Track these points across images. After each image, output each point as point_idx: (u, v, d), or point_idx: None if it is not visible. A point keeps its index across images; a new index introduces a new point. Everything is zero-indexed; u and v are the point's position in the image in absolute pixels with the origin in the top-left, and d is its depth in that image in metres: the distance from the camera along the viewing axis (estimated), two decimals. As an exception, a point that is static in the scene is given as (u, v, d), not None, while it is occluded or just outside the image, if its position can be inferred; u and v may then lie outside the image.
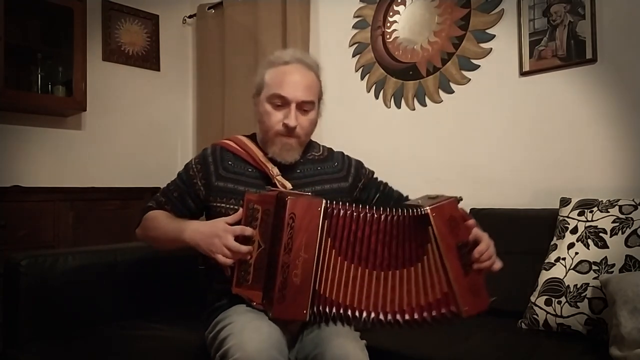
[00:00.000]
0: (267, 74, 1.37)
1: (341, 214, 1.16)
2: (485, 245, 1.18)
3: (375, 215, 1.17)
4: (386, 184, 1.54)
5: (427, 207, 1.15)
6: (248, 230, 1.18)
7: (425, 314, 1.17)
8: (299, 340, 1.24)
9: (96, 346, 1.45)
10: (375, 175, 1.53)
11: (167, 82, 3.44)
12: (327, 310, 1.15)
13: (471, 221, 1.20)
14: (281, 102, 1.33)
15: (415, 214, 1.17)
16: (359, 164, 1.51)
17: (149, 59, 3.35)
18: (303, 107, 1.34)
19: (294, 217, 1.11)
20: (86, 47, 2.82)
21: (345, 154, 1.53)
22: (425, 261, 1.17)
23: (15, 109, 2.70)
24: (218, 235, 1.20)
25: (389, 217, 1.18)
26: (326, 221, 1.15)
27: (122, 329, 1.56)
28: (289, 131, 1.32)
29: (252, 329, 1.11)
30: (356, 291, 1.16)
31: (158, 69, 3.39)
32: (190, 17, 3.48)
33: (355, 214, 1.17)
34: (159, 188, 1.54)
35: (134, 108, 3.27)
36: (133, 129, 3.25)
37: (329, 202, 1.16)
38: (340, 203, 1.18)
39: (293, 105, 1.32)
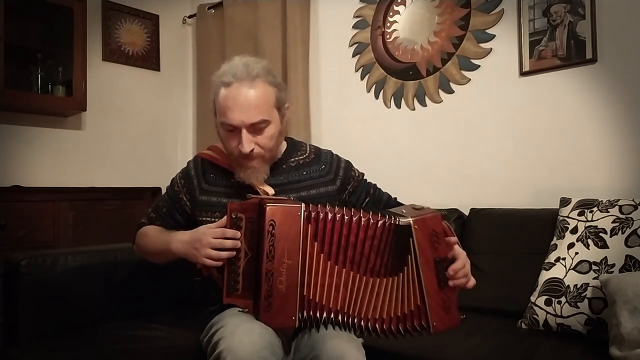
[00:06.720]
0: (216, 97, 1.31)
1: (329, 218, 1.14)
2: (461, 264, 1.19)
3: (372, 221, 1.16)
4: (375, 185, 1.49)
5: (411, 219, 1.16)
6: (229, 232, 1.16)
7: (399, 325, 1.18)
8: (294, 344, 1.23)
9: (96, 346, 1.45)
10: (365, 177, 1.49)
11: (167, 82, 3.44)
12: (318, 315, 1.15)
13: (453, 238, 1.21)
14: (232, 128, 1.27)
15: (399, 223, 1.17)
16: (348, 165, 1.46)
17: (149, 59, 3.35)
18: (256, 127, 1.26)
19: (274, 224, 1.11)
20: (86, 47, 2.82)
21: (334, 153, 1.48)
22: (405, 272, 1.18)
23: (15, 109, 2.70)
24: (199, 239, 1.19)
25: (379, 223, 1.17)
26: (310, 225, 1.14)
27: (122, 329, 1.56)
28: (247, 156, 1.27)
29: (243, 331, 1.10)
30: (347, 296, 1.16)
31: (158, 69, 3.39)
32: (190, 17, 3.49)
33: (346, 217, 1.15)
34: (159, 188, 1.55)
35: (134, 108, 3.27)
36: (133, 129, 3.25)
37: (310, 206, 1.15)
38: (327, 206, 1.16)
39: (243, 131, 1.25)
